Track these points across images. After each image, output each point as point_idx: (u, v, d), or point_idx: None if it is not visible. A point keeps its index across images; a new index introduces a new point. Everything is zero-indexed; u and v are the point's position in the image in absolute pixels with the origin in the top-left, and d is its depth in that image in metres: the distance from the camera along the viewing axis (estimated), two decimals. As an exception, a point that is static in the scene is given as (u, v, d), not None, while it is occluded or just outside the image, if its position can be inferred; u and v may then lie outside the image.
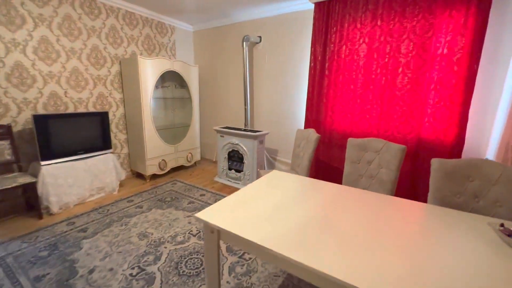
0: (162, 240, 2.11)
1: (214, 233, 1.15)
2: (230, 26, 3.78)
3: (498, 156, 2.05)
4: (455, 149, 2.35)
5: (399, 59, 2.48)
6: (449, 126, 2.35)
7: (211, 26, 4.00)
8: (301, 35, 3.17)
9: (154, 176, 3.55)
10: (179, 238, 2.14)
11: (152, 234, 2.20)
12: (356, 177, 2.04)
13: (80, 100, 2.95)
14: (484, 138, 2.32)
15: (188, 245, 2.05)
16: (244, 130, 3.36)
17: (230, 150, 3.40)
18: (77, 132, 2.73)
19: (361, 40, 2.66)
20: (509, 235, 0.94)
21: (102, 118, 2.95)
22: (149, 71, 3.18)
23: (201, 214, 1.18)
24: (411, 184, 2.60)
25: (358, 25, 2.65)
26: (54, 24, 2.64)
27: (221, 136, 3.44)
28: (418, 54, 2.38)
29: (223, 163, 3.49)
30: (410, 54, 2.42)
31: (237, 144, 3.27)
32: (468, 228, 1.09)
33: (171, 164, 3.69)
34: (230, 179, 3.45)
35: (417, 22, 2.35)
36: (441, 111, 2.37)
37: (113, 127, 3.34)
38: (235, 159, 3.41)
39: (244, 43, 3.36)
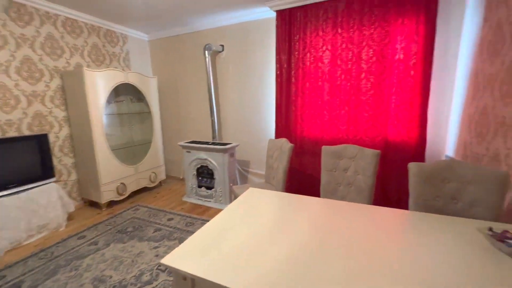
0: (123, 283, 1.78)
1: (188, 281, 0.94)
2: (190, 35, 3.58)
3: (457, 153, 2.19)
4: (419, 149, 2.46)
5: (361, 65, 2.55)
6: (411, 127, 2.47)
7: (168, 35, 3.74)
8: (265, 43, 3.11)
9: (112, 203, 3.11)
10: (145, 278, 1.83)
11: (110, 277, 1.84)
12: (334, 186, 1.98)
13: (9, 122, 2.44)
14: (442, 137, 2.47)
15: (157, 285, 1.75)
16: (213, 143, 3.15)
17: (199, 166, 3.14)
18: (5, 162, 2.23)
19: (324, 47, 2.69)
20: (499, 240, 0.92)
21: (40, 142, 2.48)
22: (99, 84, 2.80)
23: (169, 259, 0.96)
24: (382, 187, 2.65)
25: (320, 33, 2.68)
26: (-33, 31, 2.16)
27: (187, 151, 3.17)
28: (378, 60, 2.47)
29: (192, 181, 3.21)
30: (370, 60, 2.50)
31: (205, 159, 3.03)
32: (457, 233, 1.06)
33: (131, 187, 3.28)
34: (200, 198, 3.17)
35: (374, 30, 2.44)
36: (403, 114, 2.48)
37: (56, 150, 2.85)
38: (205, 175, 3.16)
39: (206, 52, 3.19)
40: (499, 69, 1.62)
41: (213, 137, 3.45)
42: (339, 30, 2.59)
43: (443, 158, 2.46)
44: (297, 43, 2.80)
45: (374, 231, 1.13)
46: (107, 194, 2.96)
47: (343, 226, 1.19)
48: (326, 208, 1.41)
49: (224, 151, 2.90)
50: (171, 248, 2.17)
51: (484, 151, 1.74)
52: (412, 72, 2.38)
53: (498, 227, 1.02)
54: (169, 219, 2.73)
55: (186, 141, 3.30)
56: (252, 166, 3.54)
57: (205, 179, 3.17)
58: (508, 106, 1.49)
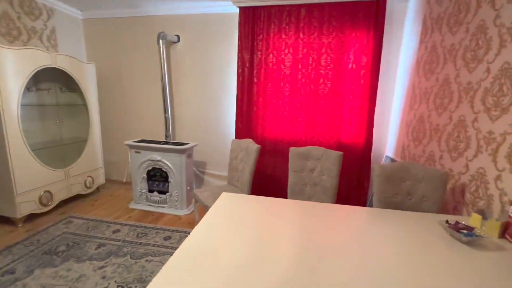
0: (60, 318, 1.42)
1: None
2: (139, 19, 3.15)
3: (396, 154, 2.54)
4: (366, 150, 2.76)
5: (320, 71, 2.70)
6: (360, 130, 2.75)
7: (111, 16, 3.21)
8: (227, 38, 2.99)
9: (32, 217, 2.48)
10: (90, 307, 1.50)
11: (40, 314, 1.44)
12: (300, 187, 2.03)
13: None
14: (383, 139, 2.84)
15: (108, 314, 1.46)
16: (167, 143, 2.85)
17: (150, 168, 2.80)
18: None
19: (287, 50, 2.75)
20: (457, 231, 1.08)
21: None
22: (14, 66, 2.18)
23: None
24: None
25: (283, 36, 2.72)
26: None
27: (136, 152, 2.78)
28: (335, 68, 2.66)
29: (141, 185, 2.84)
30: (328, 67, 2.67)
31: (159, 160, 2.72)
32: (419, 226, 1.21)
33: (60, 196, 2.68)
34: (152, 204, 2.84)
35: (332, 39, 2.62)
36: (354, 118, 2.74)
37: None
38: (157, 178, 2.84)
39: (161, 40, 2.86)
40: (433, 84, 1.94)
41: (166, 136, 3.13)
42: (301, 35, 2.68)
43: (384, 158, 2.84)
44: (261, 43, 2.78)
45: (349, 230, 1.19)
46: (25, 206, 2.34)
47: (328, 228, 1.21)
48: (305, 210, 1.42)
49: (181, 151, 2.65)
50: (121, 267, 1.85)
51: (420, 152, 2.07)
52: (362, 81, 2.64)
53: (451, 219, 1.20)
54: (115, 231, 2.34)
55: (134, 140, 2.90)
56: (209, 167, 3.37)
57: (157, 183, 2.85)
58: (441, 116, 1.79)
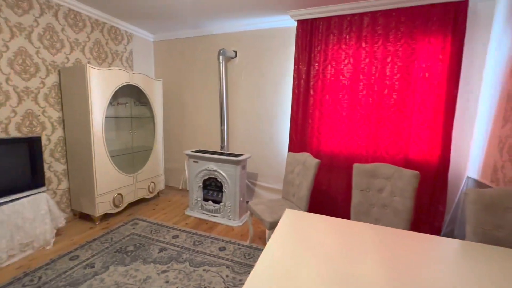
0: (132, 318, 1.51)
1: None
2: (201, 38, 3.40)
3: (484, 176, 2.14)
4: (441, 169, 2.41)
5: (384, 81, 2.49)
6: (433, 146, 2.42)
7: (176, 37, 3.55)
8: (282, 52, 3.01)
9: (107, 216, 2.78)
10: (157, 311, 1.57)
11: (115, 310, 1.56)
12: (366, 207, 1.85)
13: (-5, 120, 2.12)
14: (463, 158, 2.44)
15: (172, 320, 1.50)
16: (222, 153, 2.95)
17: (206, 177, 2.91)
18: (-11, 168, 1.90)
19: (346, 61, 2.62)
20: None
21: (30, 145, 2.16)
22: (102, 83, 2.53)
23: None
24: None
25: (343, 46, 2.62)
26: (-46, 14, 1.86)
27: (194, 161, 2.94)
28: (403, 77, 2.43)
29: (197, 193, 2.97)
30: (395, 77, 2.45)
31: (215, 170, 2.81)
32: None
33: (129, 198, 2.97)
34: (206, 212, 2.93)
35: (400, 47, 2.41)
36: (425, 132, 2.43)
37: (46, 155, 2.51)
38: (212, 188, 2.93)
39: (221, 57, 3.03)
40: (542, 94, 1.59)
41: (222, 147, 3.24)
42: (363, 44, 2.53)
43: (465, 180, 2.43)
44: (318, 55, 2.72)
45: (439, 265, 1.00)
46: (102, 206, 2.64)
47: (405, 257, 1.05)
48: (380, 235, 1.26)
49: (236, 162, 2.70)
50: (182, 273, 1.92)
51: (523, 176, 1.70)
52: (436, 91, 2.35)
53: None
54: (174, 236, 2.46)
55: (193, 150, 3.07)
56: (260, 179, 3.36)
57: (212, 192, 2.94)
58: (557, 132, 1.45)
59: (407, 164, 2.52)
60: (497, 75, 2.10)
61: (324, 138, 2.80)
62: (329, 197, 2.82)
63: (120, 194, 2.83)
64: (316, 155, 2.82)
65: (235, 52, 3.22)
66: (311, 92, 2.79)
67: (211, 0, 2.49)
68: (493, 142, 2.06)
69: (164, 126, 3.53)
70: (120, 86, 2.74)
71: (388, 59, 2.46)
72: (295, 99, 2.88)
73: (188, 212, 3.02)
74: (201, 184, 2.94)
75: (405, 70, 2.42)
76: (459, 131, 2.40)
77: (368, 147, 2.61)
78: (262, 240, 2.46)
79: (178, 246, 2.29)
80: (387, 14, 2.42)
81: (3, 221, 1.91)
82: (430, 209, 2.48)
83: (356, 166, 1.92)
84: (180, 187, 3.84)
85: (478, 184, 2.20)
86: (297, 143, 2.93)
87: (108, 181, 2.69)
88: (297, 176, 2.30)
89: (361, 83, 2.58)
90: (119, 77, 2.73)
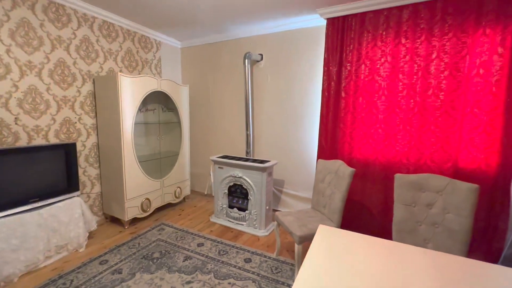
0: (156, 333, 1.45)
1: None
2: (226, 43, 3.39)
3: (561, 190, 1.78)
4: (500, 178, 2.07)
5: (429, 80, 2.22)
6: (490, 153, 2.09)
7: (202, 42, 3.57)
8: (310, 53, 2.86)
9: (135, 220, 2.84)
10: (181, 327, 1.49)
11: (139, 322, 1.52)
12: (412, 224, 1.61)
13: (37, 128, 2.25)
14: (529, 167, 2.07)
15: None
16: (248, 159, 2.86)
17: (231, 184, 2.84)
18: (30, 173, 2.01)
19: (383, 59, 2.39)
20: None
21: (67, 151, 2.26)
22: (132, 91, 2.60)
23: None
24: None
25: (379, 43, 2.39)
26: (3, 30, 2.01)
27: (219, 167, 2.89)
28: (452, 75, 2.14)
29: (222, 200, 2.91)
30: (441, 75, 2.17)
31: (240, 177, 2.73)
32: None
33: (156, 203, 3.00)
34: (231, 220, 2.85)
35: (448, 41, 2.13)
36: (480, 137, 2.11)
37: (81, 160, 2.63)
38: (238, 195, 2.85)
39: (246, 60, 2.96)
40: None
41: (247, 153, 3.16)
42: (403, 41, 2.29)
43: (532, 193, 2.05)
44: (350, 54, 2.52)
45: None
46: (131, 211, 2.69)
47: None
48: (432, 261, 1.06)
49: (263, 169, 2.59)
50: (206, 285, 1.84)
51: None
52: (494, 89, 2.03)
53: None
54: (199, 244, 2.41)
55: (218, 156, 3.03)
56: (287, 187, 3.21)
57: (236, 199, 2.86)
58: None
59: (457, 173, 2.21)
60: None
61: (357, 144, 2.58)
62: (362, 210, 2.58)
63: (148, 199, 2.87)
64: (348, 163, 2.60)
65: (261, 55, 3.14)
66: (343, 94, 2.59)
67: (231, 2, 2.43)
68: None
69: (190, 131, 3.55)
70: (149, 92, 2.79)
71: (433, 55, 2.19)
72: (325, 102, 2.70)
73: (213, 219, 2.97)
74: (226, 191, 2.87)
75: (454, 67, 2.13)
76: (520, 136, 2.05)
77: (410, 155, 2.34)
78: (290, 253, 2.31)
79: (203, 255, 2.23)
80: (431, 5, 2.16)
81: (41, 224, 2.00)
82: (488, 226, 2.14)
83: (398, 177, 1.70)
84: (206, 193, 3.83)
85: (552, 199, 1.83)
86: (327, 150, 2.74)
87: (137, 186, 2.74)
88: (328, 186, 2.12)
89: (401, 83, 2.33)
90: (148, 84, 2.78)
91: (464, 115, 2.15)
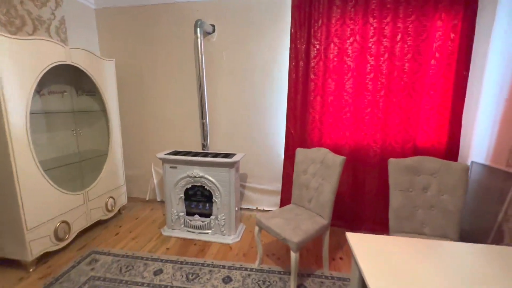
0: None
1: None
2: (163, 7, 2.64)
3: (496, 160, 2.08)
4: (450, 155, 2.31)
5: (394, 62, 2.23)
6: (442, 132, 2.29)
7: (128, 4, 2.69)
8: (274, 27, 2.50)
9: (46, 256, 1.93)
10: None
11: None
12: (410, 210, 1.55)
13: None
14: (465, 143, 2.38)
15: None
16: (207, 154, 2.34)
17: (189, 186, 2.28)
18: None
19: (352, 39, 2.27)
20: None
21: None
22: (21, 62, 1.65)
23: None
24: None
25: (348, 21, 2.25)
26: None
27: (172, 167, 2.26)
28: (414, 58, 2.20)
29: (178, 207, 2.32)
30: (405, 58, 2.21)
31: (201, 177, 2.21)
32: None
33: (79, 225, 2.15)
34: (192, 230, 2.31)
35: (411, 23, 2.16)
36: (434, 118, 2.28)
37: None
38: (198, 198, 2.32)
39: (198, 30, 2.36)
40: None
41: (204, 146, 2.62)
42: (371, 20, 2.21)
43: (470, 165, 2.37)
44: (319, 31, 2.31)
45: None
46: (37, 244, 1.80)
47: None
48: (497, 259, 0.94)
49: (230, 165, 2.15)
50: (183, 332, 1.34)
51: (557, 160, 1.61)
52: (446, 74, 2.19)
53: None
54: (157, 272, 1.82)
55: (167, 152, 2.38)
56: (250, 180, 2.87)
57: (197, 204, 2.33)
58: None
59: (416, 152, 2.35)
60: (508, 58, 2.01)
61: (327, 129, 2.44)
62: (340, 200, 2.51)
63: (65, 221, 2.00)
64: (318, 149, 2.46)
65: (213, 26, 2.58)
66: (312, 76, 2.38)
67: None
68: (509, 125, 1.99)
69: (122, 122, 2.70)
70: (52, 66, 1.86)
71: (398, 37, 2.20)
72: (293, 84, 2.43)
73: (166, 232, 2.35)
74: (182, 195, 2.30)
75: (416, 50, 2.19)
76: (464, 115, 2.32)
77: (376, 137, 2.36)
78: (270, 257, 2.01)
79: (166, 287, 1.67)
80: (397, -16, 2.13)
81: None
82: (439, 198, 2.38)
83: (393, 162, 1.60)
84: (147, 198, 3.08)
85: (488, 169, 2.14)
86: (296, 137, 2.51)
87: (44, 207, 1.84)
88: (313, 178, 1.89)
89: (369, 65, 2.28)
90: (48, 54, 1.84)
91: (422, 97, 2.26)
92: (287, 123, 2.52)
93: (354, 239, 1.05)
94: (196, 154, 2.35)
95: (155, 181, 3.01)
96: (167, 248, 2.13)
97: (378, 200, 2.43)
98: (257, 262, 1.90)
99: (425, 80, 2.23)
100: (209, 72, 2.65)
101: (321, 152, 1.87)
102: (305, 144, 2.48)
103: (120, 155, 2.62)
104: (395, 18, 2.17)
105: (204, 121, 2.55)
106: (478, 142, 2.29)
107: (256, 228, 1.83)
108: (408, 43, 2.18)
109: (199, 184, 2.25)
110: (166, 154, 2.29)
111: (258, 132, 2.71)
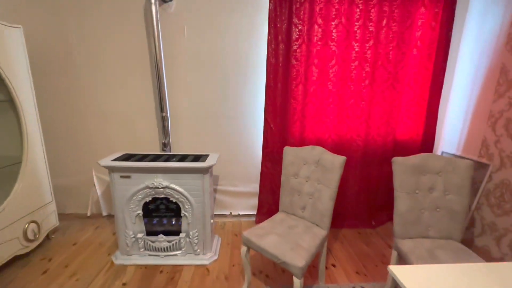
0: None
1: None
2: (99, -41, 1.94)
3: (469, 152, 2.14)
4: (425, 147, 2.33)
5: (379, 50, 2.08)
6: (419, 124, 2.28)
7: (43, -51, 1.90)
8: (249, 3, 2.08)
9: None
10: None
11: None
12: (416, 213, 1.41)
13: None
14: (438, 133, 2.43)
15: None
16: (170, 157, 1.86)
17: (149, 200, 1.78)
18: None
19: (337, 21, 2.02)
20: None
21: None
22: None
23: None
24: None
25: (333, -1, 1.99)
26: None
27: (123, 176, 1.71)
28: (398, 46, 2.08)
29: (135, 227, 1.80)
30: (390, 45, 2.07)
31: (166, 187, 1.73)
32: None
33: (-21, 271, 1.46)
34: (156, 253, 1.83)
35: (396, 8, 2.02)
36: (414, 109, 2.25)
37: None
38: (162, 213, 1.84)
39: (152, -6, 1.78)
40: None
41: (165, 146, 2.10)
42: (357, 0, 1.99)
43: (440, 154, 2.45)
44: (302, 9, 1.99)
45: None
46: None
47: None
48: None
49: (203, 170, 1.72)
50: None
51: (532, 151, 1.68)
52: (426, 64, 2.14)
53: None
54: (110, 325, 1.32)
55: (115, 158, 1.79)
56: (222, 182, 2.48)
57: (160, 220, 1.85)
58: None
59: (396, 145, 2.31)
60: (483, 47, 2.04)
61: (310, 122, 2.20)
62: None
63: (-50, 272, 1.31)
64: (299, 144, 2.22)
65: (170, -8, 2.02)
66: (293, 61, 2.07)
67: None
68: (481, 116, 2.04)
69: (44, 117, 1.96)
70: None
71: (384, 22, 2.04)
72: (272, 71, 2.09)
73: (120, 260, 1.82)
74: (140, 212, 1.78)
75: (400, 38, 2.07)
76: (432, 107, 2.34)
77: (360, 130, 2.22)
78: (258, 276, 1.70)
79: None
80: (384, -38, 1.94)
81: None
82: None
83: (398, 161, 1.43)
84: (89, 213, 2.42)
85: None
86: (276, 131, 2.21)
87: None
88: (307, 181, 1.61)
89: (354, 52, 2.08)
90: None
91: (403, 88, 2.19)
92: (265, 116, 2.19)
93: (402, 273, 0.80)
94: (156, 157, 1.83)
95: (99, 191, 2.36)
96: (124, 284, 1.62)
97: (360, 196, 2.34)
98: (244, 286, 1.57)
99: (407, 70, 2.15)
100: (168, 52, 2.10)
101: (316, 152, 1.60)
102: (286, 140, 2.21)
103: (43, 162, 1.91)
104: (382, 1, 1.99)
105: (164, 114, 2.01)
106: (448, 133, 2.36)
107: (244, 249, 1.48)
108: (393, 29, 2.04)
109: (163, 195, 1.76)
110: (113, 160, 1.72)
111: (231, 127, 2.31)
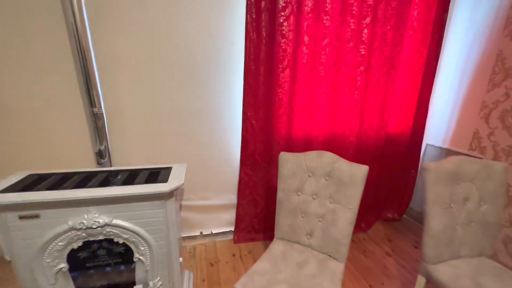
0: None
1: None
2: None
3: (458, 145, 2.04)
4: (413, 141, 2.17)
5: (375, 29, 1.75)
6: (410, 115, 2.10)
7: None
8: None
9: None
10: None
11: None
12: (451, 232, 1.14)
13: None
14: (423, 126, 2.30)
15: None
16: (111, 174, 1.22)
17: (79, 246, 1.13)
18: None
19: (332, -11, 1.61)
20: None
21: None
22: None
23: None
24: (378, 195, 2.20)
25: (328, -41, 1.55)
26: None
27: (24, 217, 1.02)
28: (396, 26, 1.79)
29: (58, 286, 1.15)
30: (387, 25, 1.76)
31: (104, 225, 1.10)
32: None
33: None
34: (95, 320, 1.22)
35: (396, -22, 1.70)
36: (406, 100, 2.04)
37: None
38: (102, 260, 1.22)
39: None
40: None
41: (101, 157, 1.41)
42: (355, -36, 1.60)
43: (425, 148, 2.32)
44: (290, -33, 1.50)
45: None
46: None
47: None
48: None
49: (165, 195, 1.15)
50: None
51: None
52: (421, 49, 1.92)
53: None
54: None
55: (11, 183, 1.08)
56: (188, 196, 1.92)
57: (98, 271, 1.23)
58: None
59: (387, 140, 2.09)
60: (476, 32, 1.89)
61: (298, 116, 1.79)
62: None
63: None
64: (286, 144, 1.80)
65: None
66: (280, 38, 1.59)
67: None
68: (472, 107, 1.93)
69: None
70: None
71: (382, -4, 1.70)
72: (252, 49, 1.58)
73: None
74: (64, 266, 1.13)
75: (399, 17, 1.78)
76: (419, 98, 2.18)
77: (353, 124, 1.91)
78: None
79: None
80: None
81: None
82: (399, 187, 2.26)
83: (432, 169, 1.12)
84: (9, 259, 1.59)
85: (446, 152, 2.11)
86: (258, 129, 1.74)
87: None
88: (315, 199, 1.21)
89: (349, 30, 1.71)
90: None
91: (398, 75, 1.94)
92: (244, 109, 1.69)
93: None
94: (86, 178, 1.18)
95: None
96: None
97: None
98: None
99: (402, 56, 1.89)
100: (98, 21, 1.38)
101: (326, 159, 1.19)
102: (271, 140, 1.76)
103: None
104: (381, -32, 1.64)
105: (96, 110, 1.32)
106: (434, 124, 2.24)
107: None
108: (392, 5, 1.73)
109: (102, 237, 1.14)
110: (4, 190, 1.01)
111: (199, 124, 1.74)
